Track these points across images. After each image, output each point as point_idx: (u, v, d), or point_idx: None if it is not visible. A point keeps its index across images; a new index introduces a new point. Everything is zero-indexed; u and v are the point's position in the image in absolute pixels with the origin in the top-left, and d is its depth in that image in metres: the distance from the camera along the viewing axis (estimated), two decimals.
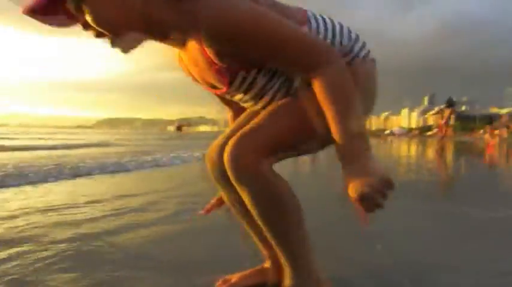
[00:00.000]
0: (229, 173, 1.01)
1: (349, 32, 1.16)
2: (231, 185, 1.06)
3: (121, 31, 0.95)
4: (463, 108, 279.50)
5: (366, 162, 0.93)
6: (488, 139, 17.34)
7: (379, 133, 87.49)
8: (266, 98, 1.13)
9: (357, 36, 1.17)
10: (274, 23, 0.95)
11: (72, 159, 6.85)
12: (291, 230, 1.08)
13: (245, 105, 1.22)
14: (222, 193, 1.28)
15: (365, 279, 1.48)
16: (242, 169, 0.99)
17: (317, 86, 0.96)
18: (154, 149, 11.25)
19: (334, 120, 0.94)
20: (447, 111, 13.04)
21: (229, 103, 1.37)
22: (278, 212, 1.04)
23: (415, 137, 52.98)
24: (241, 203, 1.11)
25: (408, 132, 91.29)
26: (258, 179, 1.00)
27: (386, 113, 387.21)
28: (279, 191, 1.04)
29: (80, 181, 4.49)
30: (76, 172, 5.02)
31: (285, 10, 1.07)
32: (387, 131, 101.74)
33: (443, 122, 13.18)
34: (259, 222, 1.07)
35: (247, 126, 1.06)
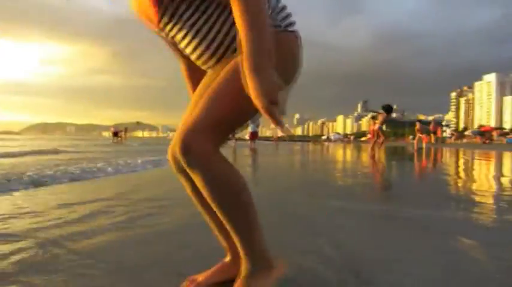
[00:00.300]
0: (182, 161, 1.08)
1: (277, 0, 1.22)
2: (190, 175, 1.14)
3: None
4: (394, 115, 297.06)
5: (271, 74, 0.99)
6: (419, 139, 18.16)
7: (316, 139, 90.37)
8: (207, 47, 1.19)
9: (284, 6, 1.23)
10: None
11: (27, 167, 6.31)
12: (242, 211, 1.13)
13: (192, 57, 1.26)
14: (184, 185, 1.30)
15: (305, 273, 1.55)
16: (192, 156, 1.06)
17: (235, 5, 1.01)
18: (107, 155, 10.60)
19: (248, 36, 0.99)
20: (381, 116, 13.36)
21: (182, 56, 1.41)
22: (228, 193, 1.10)
23: (350, 143, 55.16)
24: (199, 193, 1.21)
25: (344, 137, 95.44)
26: (207, 164, 1.07)
27: (323, 120, 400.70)
28: (227, 172, 1.10)
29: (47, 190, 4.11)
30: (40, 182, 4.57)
31: None
32: (324, 137, 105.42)
33: (377, 126, 13.53)
34: (213, 207, 1.12)
35: (194, 113, 1.12)
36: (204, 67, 1.29)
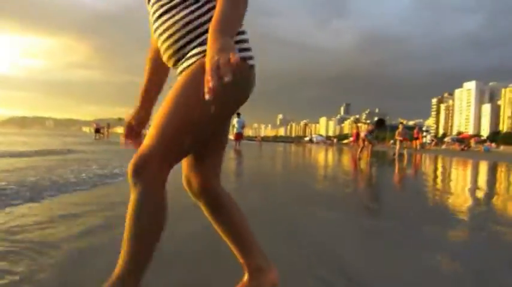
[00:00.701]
0: (130, 179, 1.11)
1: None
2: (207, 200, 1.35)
3: None
4: (376, 119, 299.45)
5: (230, 42, 1.02)
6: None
7: (298, 140, 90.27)
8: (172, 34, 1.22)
9: (244, 39, 1.27)
10: None
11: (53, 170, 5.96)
12: (144, 238, 1.14)
13: (162, 46, 1.27)
14: (202, 208, 1.38)
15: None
16: (140, 179, 1.10)
17: None
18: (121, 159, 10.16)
19: (224, 7, 1.08)
20: (370, 126, 14.34)
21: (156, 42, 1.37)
22: (144, 218, 1.13)
23: (333, 145, 55.44)
24: (216, 215, 1.37)
25: (327, 139, 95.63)
26: (147, 190, 1.11)
27: (305, 121, 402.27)
28: (155, 204, 1.13)
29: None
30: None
31: None
32: (307, 138, 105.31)
33: (363, 134, 14.03)
34: (127, 220, 1.13)
35: (150, 132, 1.14)
36: (167, 63, 1.31)
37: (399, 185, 6.74)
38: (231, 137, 18.78)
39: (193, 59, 1.21)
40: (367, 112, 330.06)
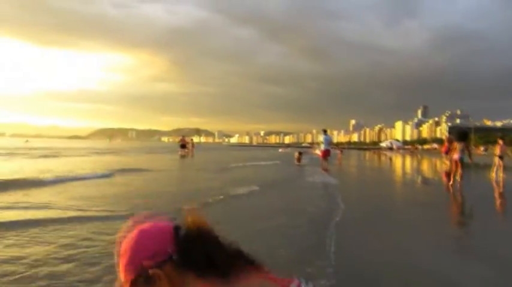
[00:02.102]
0: None
1: None
2: None
3: None
4: (458, 121, 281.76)
5: None
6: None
7: (374, 147, 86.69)
8: None
9: None
10: None
11: None
12: None
13: None
14: None
15: None
16: None
17: None
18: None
19: None
20: (459, 145, 11.32)
21: None
22: None
23: (417, 153, 51.77)
24: None
25: (404, 145, 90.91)
26: None
27: (380, 126, 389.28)
28: None
29: None
30: None
31: None
32: (383, 144, 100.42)
33: (458, 156, 11.02)
34: None
35: None
36: None
37: None
38: (319, 153, 19.07)
39: None
40: (447, 115, 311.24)
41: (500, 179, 13.85)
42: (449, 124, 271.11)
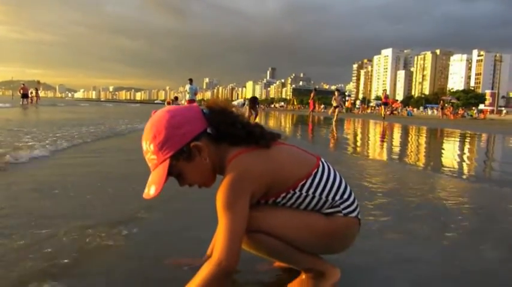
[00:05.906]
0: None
1: (344, 192, 1.37)
2: None
3: (203, 184, 1.36)
4: (301, 83, 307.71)
5: None
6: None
7: None
8: None
9: (348, 196, 1.38)
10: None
11: None
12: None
13: None
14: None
15: None
16: None
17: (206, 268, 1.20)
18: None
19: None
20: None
21: None
22: None
23: (263, 109, 55.98)
24: None
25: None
26: None
27: (232, 85, 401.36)
28: None
29: None
30: None
31: (300, 158, 1.37)
32: (235, 102, 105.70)
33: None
34: None
35: None
36: None
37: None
38: (185, 103, 18.66)
39: None
40: (292, 76, 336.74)
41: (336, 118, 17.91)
42: (293, 86, 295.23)
